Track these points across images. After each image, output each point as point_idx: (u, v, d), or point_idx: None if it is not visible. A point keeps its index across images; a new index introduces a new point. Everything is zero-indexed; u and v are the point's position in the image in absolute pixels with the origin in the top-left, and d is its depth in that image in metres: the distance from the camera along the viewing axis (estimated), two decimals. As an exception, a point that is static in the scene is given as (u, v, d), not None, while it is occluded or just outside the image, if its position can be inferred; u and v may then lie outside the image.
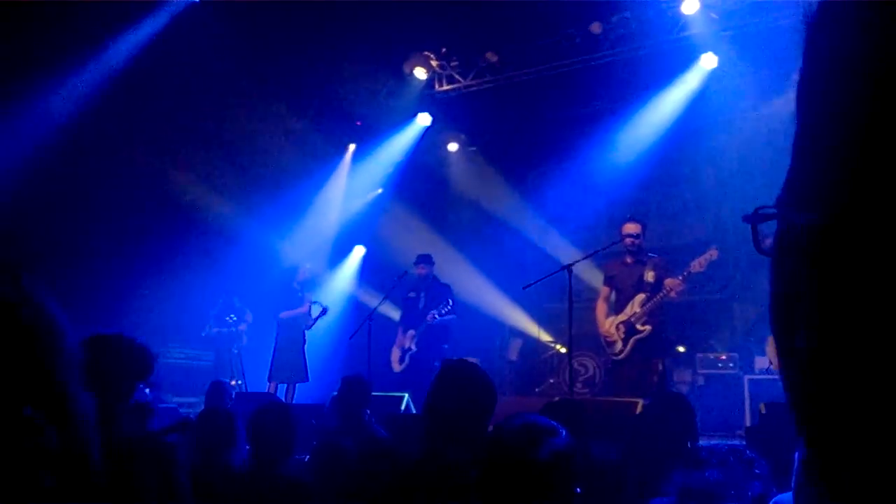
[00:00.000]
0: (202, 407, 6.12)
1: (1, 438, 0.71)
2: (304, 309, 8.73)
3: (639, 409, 5.48)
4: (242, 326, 9.29)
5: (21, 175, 7.84)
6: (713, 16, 8.05)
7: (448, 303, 8.06)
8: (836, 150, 0.48)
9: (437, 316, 8.01)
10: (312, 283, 9.22)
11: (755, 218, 0.53)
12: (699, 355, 8.71)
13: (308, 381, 8.61)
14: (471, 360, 3.22)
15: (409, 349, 8.19)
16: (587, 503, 2.79)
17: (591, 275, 7.82)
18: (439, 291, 8.24)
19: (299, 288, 8.85)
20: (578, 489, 1.84)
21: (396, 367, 8.28)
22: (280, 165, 10.11)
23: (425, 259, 8.38)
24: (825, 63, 0.49)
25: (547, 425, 1.89)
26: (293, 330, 8.67)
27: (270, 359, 8.62)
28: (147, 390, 3.56)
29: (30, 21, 7.72)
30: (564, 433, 1.90)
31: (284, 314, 8.68)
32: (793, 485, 0.69)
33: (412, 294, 8.37)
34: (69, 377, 0.87)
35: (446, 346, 8.16)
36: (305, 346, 8.73)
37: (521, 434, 1.85)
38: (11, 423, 0.78)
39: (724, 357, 8.53)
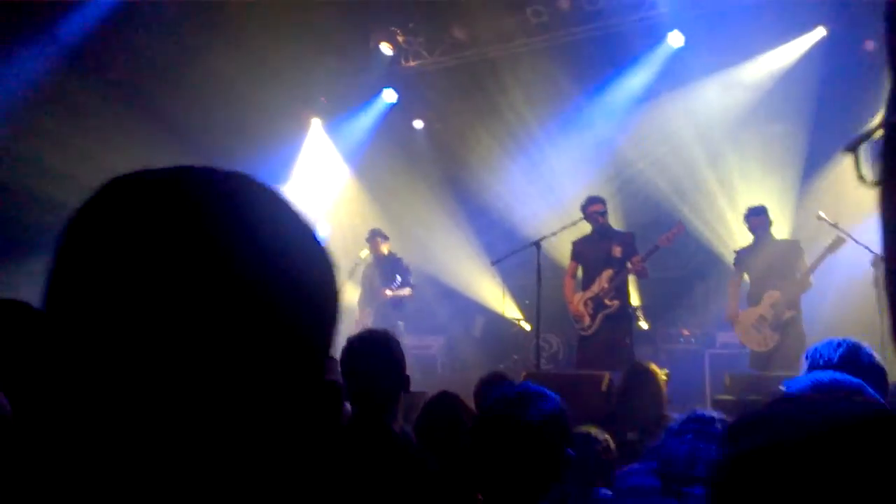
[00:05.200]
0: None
1: None
2: None
3: (605, 383, 5.54)
4: None
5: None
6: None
7: (395, 277, 8.05)
8: None
9: (388, 292, 7.99)
10: None
11: (859, 140, 0.52)
12: (661, 331, 8.86)
13: None
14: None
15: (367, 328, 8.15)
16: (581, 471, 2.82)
17: (558, 250, 7.85)
18: (391, 265, 8.21)
19: None
20: (572, 452, 1.85)
21: None
22: (239, 141, 9.88)
23: (374, 233, 8.33)
24: None
25: (537, 391, 1.91)
26: None
27: None
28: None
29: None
30: (555, 397, 1.91)
31: None
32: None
33: (368, 271, 8.33)
34: None
35: (401, 323, 8.08)
36: None
37: (512, 399, 1.87)
38: None
39: (686, 333, 8.69)
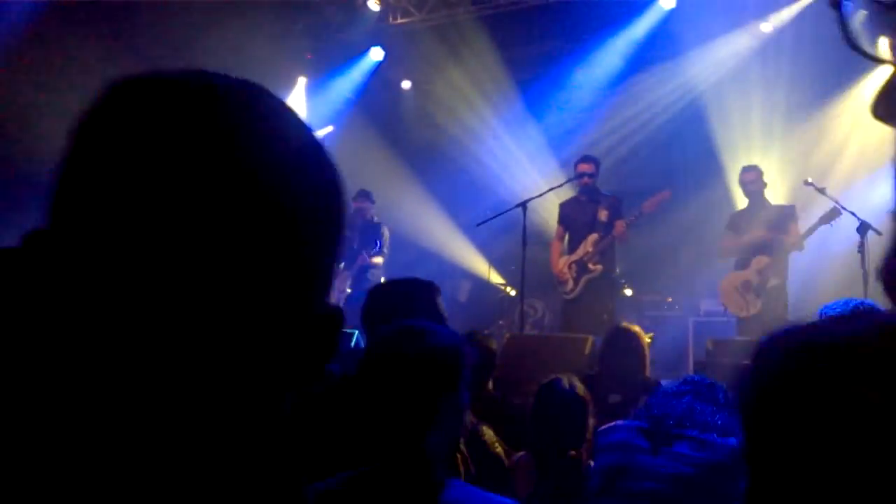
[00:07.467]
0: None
1: None
2: None
3: (588, 346, 5.51)
4: None
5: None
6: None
7: (375, 244, 7.97)
8: None
9: (367, 258, 7.94)
10: None
11: None
12: (646, 298, 8.83)
13: None
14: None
15: (344, 291, 8.13)
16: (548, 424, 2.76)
17: (546, 213, 7.77)
18: (371, 231, 8.13)
19: None
20: (464, 398, 1.64)
21: None
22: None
23: (362, 195, 8.18)
24: None
25: (428, 326, 1.67)
26: None
27: None
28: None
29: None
30: (449, 335, 1.66)
31: None
32: None
33: (348, 233, 8.22)
34: None
35: None
36: None
37: (396, 332, 1.67)
38: None
39: (670, 300, 8.67)
